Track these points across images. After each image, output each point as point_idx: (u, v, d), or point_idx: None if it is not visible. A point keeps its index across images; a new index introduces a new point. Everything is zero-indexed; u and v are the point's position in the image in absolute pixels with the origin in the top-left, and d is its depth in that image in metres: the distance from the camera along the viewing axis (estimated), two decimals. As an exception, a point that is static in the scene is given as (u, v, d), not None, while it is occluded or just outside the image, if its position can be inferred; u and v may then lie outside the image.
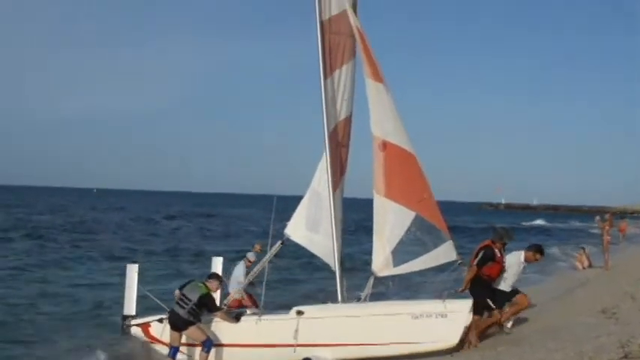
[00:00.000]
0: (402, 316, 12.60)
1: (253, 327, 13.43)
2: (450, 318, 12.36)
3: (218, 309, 13.72)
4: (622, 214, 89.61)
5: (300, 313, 13.07)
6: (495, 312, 13.31)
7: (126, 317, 14.58)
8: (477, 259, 13.22)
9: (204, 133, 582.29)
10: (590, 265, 28.54)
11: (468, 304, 12.56)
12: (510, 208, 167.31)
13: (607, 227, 28.18)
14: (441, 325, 12.34)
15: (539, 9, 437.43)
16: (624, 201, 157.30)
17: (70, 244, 42.90)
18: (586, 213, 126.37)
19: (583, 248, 30.62)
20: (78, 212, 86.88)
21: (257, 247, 42.68)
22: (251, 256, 15.51)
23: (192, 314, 13.19)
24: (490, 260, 13.17)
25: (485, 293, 13.07)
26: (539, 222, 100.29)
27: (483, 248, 13.37)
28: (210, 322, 13.58)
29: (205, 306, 13.29)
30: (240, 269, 16.45)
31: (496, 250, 13.27)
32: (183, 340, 13.44)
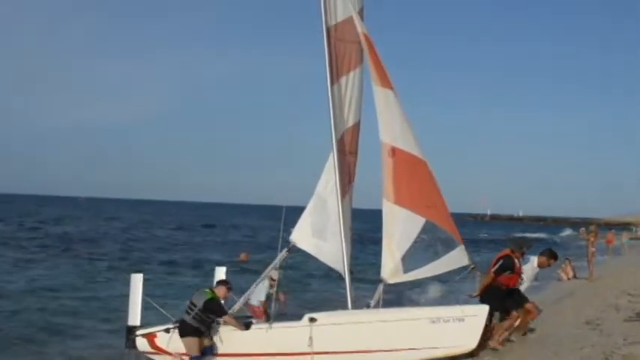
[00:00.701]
0: (419, 321, 12.39)
1: (264, 335, 13.18)
2: (467, 322, 12.17)
3: (224, 313, 13.37)
4: (608, 226, 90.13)
5: (312, 320, 12.78)
6: (513, 316, 13.14)
7: (130, 328, 14.23)
8: (496, 267, 13.07)
9: (198, 142, 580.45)
10: (574, 276, 28.63)
11: (484, 308, 12.39)
12: (496, 220, 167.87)
13: (592, 239, 28.31)
14: (459, 330, 12.15)
15: (522, 21, 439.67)
16: (610, 213, 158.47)
17: (87, 254, 42.62)
18: (573, 224, 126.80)
19: (568, 259, 30.72)
20: (81, 221, 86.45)
21: (242, 256, 42.05)
22: (274, 274, 15.07)
23: (198, 320, 12.98)
24: (509, 270, 13.04)
25: (498, 303, 12.84)
26: (542, 235, 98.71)
27: (503, 257, 13.22)
28: (219, 331, 13.35)
29: (211, 311, 13.04)
30: (262, 287, 15.41)
31: (515, 260, 13.14)
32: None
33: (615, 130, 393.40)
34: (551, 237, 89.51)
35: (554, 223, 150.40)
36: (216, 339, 13.35)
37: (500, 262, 13.09)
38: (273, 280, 14.95)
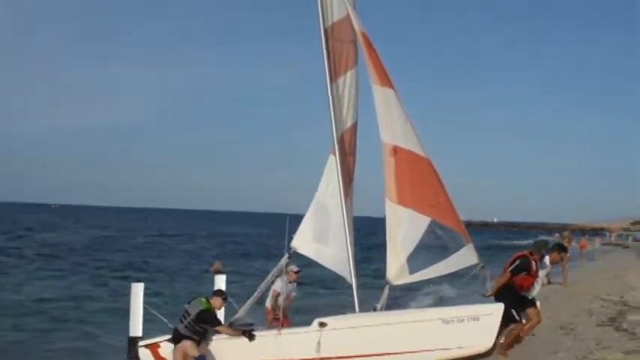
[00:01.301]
0: (432, 322, 12.09)
1: (273, 342, 12.82)
2: (482, 321, 11.87)
3: (219, 323, 13.07)
4: (581, 231, 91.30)
5: (323, 324, 12.46)
6: (520, 323, 12.78)
7: (133, 339, 13.87)
8: (512, 267, 12.76)
9: (182, 148, 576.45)
10: (549, 282, 29.09)
11: (500, 306, 12.05)
12: (471, 226, 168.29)
13: (566, 244, 28.80)
14: (474, 329, 11.84)
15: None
16: (584, 218, 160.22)
17: (80, 263, 42.77)
18: (547, 230, 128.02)
19: None
20: (67, 229, 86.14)
21: (216, 264, 41.71)
22: (294, 267, 14.71)
23: (190, 329, 12.63)
24: (525, 271, 12.71)
25: (511, 304, 12.41)
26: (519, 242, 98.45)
27: (520, 257, 12.92)
28: (226, 339, 12.99)
29: (204, 322, 12.69)
30: (278, 284, 14.99)
31: (533, 263, 12.80)
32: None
33: (589, 137, 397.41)
34: (529, 243, 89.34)
35: (529, 229, 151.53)
36: (223, 347, 13.01)
37: (517, 263, 12.77)
38: (296, 274, 14.67)
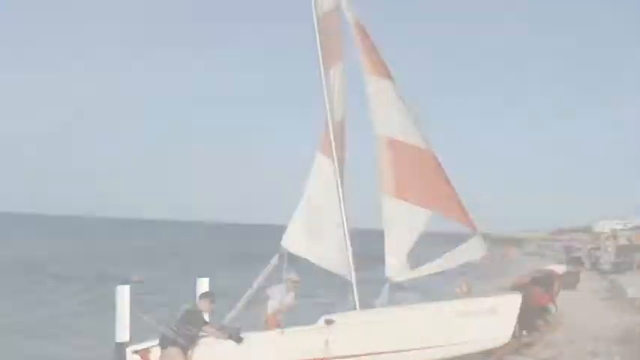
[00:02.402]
0: (447, 316, 11.66)
1: (277, 342, 12.11)
2: (500, 313, 11.50)
3: (205, 323, 12.28)
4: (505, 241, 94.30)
5: (329, 322, 11.81)
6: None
7: (120, 345, 13.09)
8: (537, 276, 12.63)
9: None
10: (469, 290, 31.37)
11: (517, 297, 11.73)
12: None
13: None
14: (491, 322, 11.45)
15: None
16: (503, 229, 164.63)
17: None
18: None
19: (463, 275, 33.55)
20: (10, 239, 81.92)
21: (134, 278, 42.08)
22: (294, 276, 13.73)
23: (175, 332, 11.91)
24: (544, 288, 12.53)
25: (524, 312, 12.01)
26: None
27: (548, 273, 12.96)
28: (228, 342, 12.20)
29: (189, 322, 11.98)
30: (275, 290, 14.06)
31: (555, 285, 12.68)
32: None
33: (509, 146, 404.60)
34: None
35: (454, 238, 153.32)
36: (225, 349, 12.21)
37: (541, 276, 12.64)
38: (295, 282, 13.73)
